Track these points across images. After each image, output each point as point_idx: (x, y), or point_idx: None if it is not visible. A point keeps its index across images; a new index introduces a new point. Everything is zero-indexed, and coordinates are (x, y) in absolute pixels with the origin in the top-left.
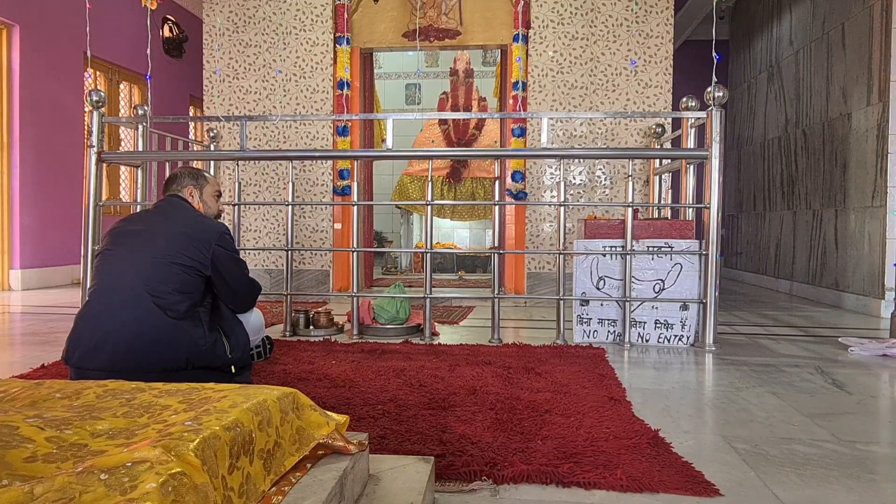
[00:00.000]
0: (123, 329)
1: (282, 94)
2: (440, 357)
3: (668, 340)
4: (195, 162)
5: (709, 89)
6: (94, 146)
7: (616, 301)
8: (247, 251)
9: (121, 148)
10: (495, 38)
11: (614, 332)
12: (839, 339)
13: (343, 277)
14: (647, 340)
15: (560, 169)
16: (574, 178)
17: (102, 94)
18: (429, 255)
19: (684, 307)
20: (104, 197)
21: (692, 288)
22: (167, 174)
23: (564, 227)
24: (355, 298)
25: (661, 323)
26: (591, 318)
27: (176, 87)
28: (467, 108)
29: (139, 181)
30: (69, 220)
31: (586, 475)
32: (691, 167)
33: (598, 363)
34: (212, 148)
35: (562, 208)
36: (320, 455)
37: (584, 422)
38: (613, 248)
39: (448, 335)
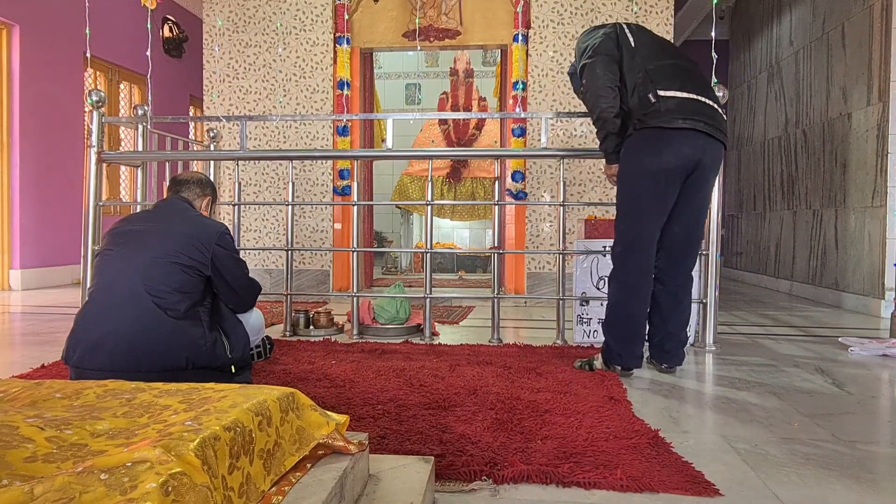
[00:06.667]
0: (123, 329)
1: (282, 94)
2: (440, 357)
3: None
4: (195, 162)
5: None
6: (94, 146)
7: None
8: (247, 251)
9: (121, 148)
10: (495, 38)
11: None
12: (839, 339)
13: (343, 277)
14: (647, 340)
15: (560, 169)
16: (574, 178)
17: (102, 94)
18: (429, 255)
19: None
20: (104, 197)
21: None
22: (167, 174)
23: (564, 227)
24: (355, 298)
25: None
26: (591, 318)
27: (176, 87)
28: (467, 108)
29: (139, 181)
30: (69, 220)
31: (586, 475)
32: None
33: None
34: (212, 148)
35: (562, 208)
36: (320, 455)
37: (584, 422)
38: None
39: (448, 335)
